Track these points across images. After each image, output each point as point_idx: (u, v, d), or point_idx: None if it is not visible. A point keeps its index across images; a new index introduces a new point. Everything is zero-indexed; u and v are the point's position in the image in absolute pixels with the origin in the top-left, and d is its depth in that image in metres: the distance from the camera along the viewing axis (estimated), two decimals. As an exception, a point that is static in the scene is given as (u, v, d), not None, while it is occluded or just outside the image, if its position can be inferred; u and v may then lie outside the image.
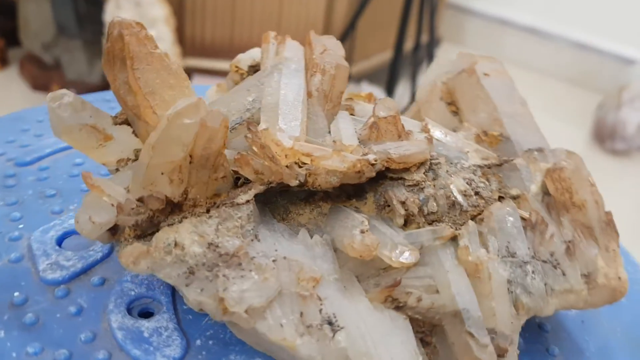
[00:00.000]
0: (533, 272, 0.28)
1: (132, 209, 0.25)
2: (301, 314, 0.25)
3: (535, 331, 0.32)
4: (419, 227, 0.28)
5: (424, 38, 1.53)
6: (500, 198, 0.30)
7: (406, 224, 0.28)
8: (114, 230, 0.27)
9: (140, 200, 0.25)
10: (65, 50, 1.55)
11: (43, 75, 1.57)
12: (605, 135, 1.79)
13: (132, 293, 0.29)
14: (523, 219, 0.29)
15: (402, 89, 1.65)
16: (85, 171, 0.26)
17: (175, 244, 0.25)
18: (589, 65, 2.09)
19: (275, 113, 0.29)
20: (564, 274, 0.28)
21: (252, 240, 0.26)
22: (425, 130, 0.31)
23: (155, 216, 0.26)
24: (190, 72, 1.54)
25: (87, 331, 0.27)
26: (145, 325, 0.28)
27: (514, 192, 0.30)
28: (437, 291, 0.27)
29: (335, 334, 0.25)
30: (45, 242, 0.31)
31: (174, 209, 0.26)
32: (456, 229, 0.28)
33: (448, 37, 2.29)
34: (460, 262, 0.27)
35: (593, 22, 2.06)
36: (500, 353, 0.26)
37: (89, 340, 0.27)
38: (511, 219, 0.28)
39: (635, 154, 1.80)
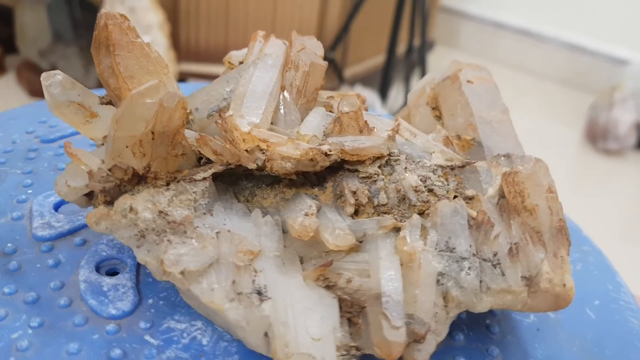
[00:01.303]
0: (469, 268, 0.28)
1: (102, 177, 0.29)
2: (233, 281, 0.27)
3: (481, 331, 0.33)
4: (368, 217, 0.30)
5: (417, 41, 1.55)
6: (455, 197, 0.31)
7: (357, 213, 0.30)
8: (90, 196, 0.30)
9: (109, 170, 0.29)
10: (61, 56, 1.58)
11: (40, 82, 1.58)
12: (597, 135, 1.81)
13: (104, 254, 0.32)
14: (473, 218, 0.29)
15: (396, 92, 1.67)
16: (67, 141, 0.29)
17: (131, 209, 0.28)
18: (581, 66, 2.12)
19: (241, 101, 0.31)
20: (503, 274, 0.29)
21: (204, 213, 0.29)
22: (395, 129, 0.33)
23: (122, 185, 0.29)
24: (185, 76, 1.55)
25: (57, 281, 0.31)
26: (107, 281, 0.31)
27: (470, 192, 0.31)
28: (369, 276, 0.28)
29: (262, 303, 0.27)
30: (43, 206, 0.35)
31: (139, 180, 0.29)
32: (401, 221, 0.29)
33: (442, 40, 2.32)
34: (397, 251, 0.28)
35: (585, 23, 2.08)
36: (416, 338, 0.27)
37: (56, 288, 0.30)
38: (457, 216, 0.29)
39: (628, 153, 1.82)
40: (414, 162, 0.32)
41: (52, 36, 1.58)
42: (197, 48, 1.58)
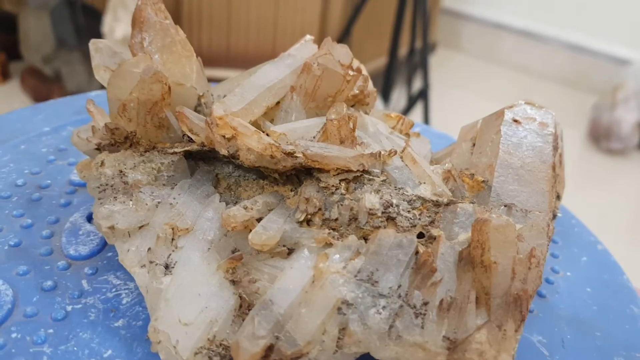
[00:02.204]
0: (383, 307, 0.25)
1: (103, 134, 0.32)
2: (149, 249, 0.28)
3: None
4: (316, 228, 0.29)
5: (419, 44, 1.55)
6: (421, 234, 0.28)
7: (309, 223, 0.29)
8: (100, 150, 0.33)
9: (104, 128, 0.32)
10: (65, 62, 1.59)
11: (44, 88, 1.60)
12: (600, 135, 1.80)
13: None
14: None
15: (398, 95, 1.66)
16: (89, 99, 0.33)
17: (101, 164, 0.31)
18: (583, 66, 2.11)
19: (233, 89, 0.32)
20: (422, 327, 0.25)
21: (163, 184, 0.31)
22: (391, 152, 0.31)
23: (116, 144, 0.32)
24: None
25: (54, 216, 0.35)
26: (86, 227, 0.34)
27: (435, 232, 0.28)
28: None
29: (164, 276, 0.27)
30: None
31: (131, 144, 0.32)
32: (338, 239, 0.27)
33: (444, 42, 2.31)
34: (314, 267, 0.26)
35: (586, 23, 2.07)
36: (281, 357, 0.25)
37: (51, 222, 0.35)
38: (397, 250, 0.26)
39: (631, 153, 1.81)
40: (395, 187, 0.29)
41: (55, 42, 1.58)
42: (199, 51, 1.58)
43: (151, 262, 0.28)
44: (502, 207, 0.29)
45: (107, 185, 0.30)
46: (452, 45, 2.34)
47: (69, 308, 0.29)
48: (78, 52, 1.57)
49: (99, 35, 1.46)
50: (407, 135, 0.36)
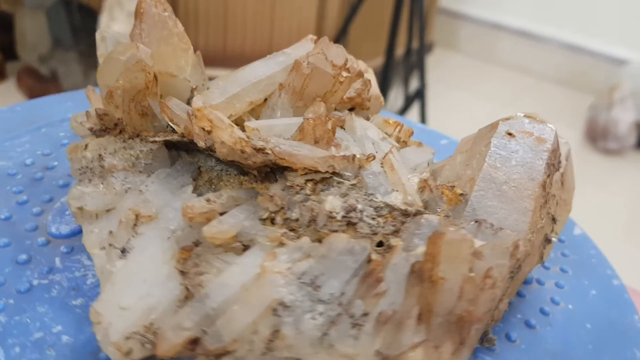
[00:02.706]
0: (320, 314, 0.24)
1: (96, 120, 0.33)
2: (110, 232, 0.28)
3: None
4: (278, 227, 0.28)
5: (416, 44, 1.55)
6: (381, 242, 0.27)
7: (273, 222, 0.28)
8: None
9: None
10: (61, 62, 1.59)
11: (40, 87, 1.60)
12: (597, 135, 1.81)
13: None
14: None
15: (395, 95, 1.66)
16: (91, 86, 0.34)
17: (85, 147, 0.31)
18: (580, 67, 2.12)
19: (218, 82, 0.32)
20: (356, 338, 0.24)
21: (140, 171, 0.31)
22: (369, 157, 0.30)
23: (107, 129, 0.32)
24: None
25: (50, 194, 0.37)
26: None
27: (394, 242, 0.27)
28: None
29: (119, 260, 0.27)
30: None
31: (120, 128, 0.32)
32: (293, 240, 0.27)
33: (441, 42, 2.32)
34: (260, 265, 0.26)
35: (584, 23, 2.08)
36: (205, 353, 0.24)
37: (46, 200, 0.36)
38: (348, 256, 0.25)
39: (628, 153, 1.82)
40: (365, 193, 0.28)
41: (51, 42, 1.58)
42: (195, 50, 1.58)
43: (110, 245, 0.28)
44: (473, 222, 0.27)
45: (86, 167, 0.31)
46: (449, 45, 2.35)
47: (35, 282, 0.30)
48: (74, 52, 1.58)
49: (95, 35, 1.45)
50: (405, 142, 0.35)
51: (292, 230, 0.27)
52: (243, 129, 0.30)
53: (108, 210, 0.29)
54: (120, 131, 0.32)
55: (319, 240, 0.27)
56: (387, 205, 0.28)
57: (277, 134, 0.30)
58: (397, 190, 0.29)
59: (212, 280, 0.26)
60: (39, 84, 1.61)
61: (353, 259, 0.25)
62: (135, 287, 0.26)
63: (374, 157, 0.30)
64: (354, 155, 0.29)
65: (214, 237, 0.27)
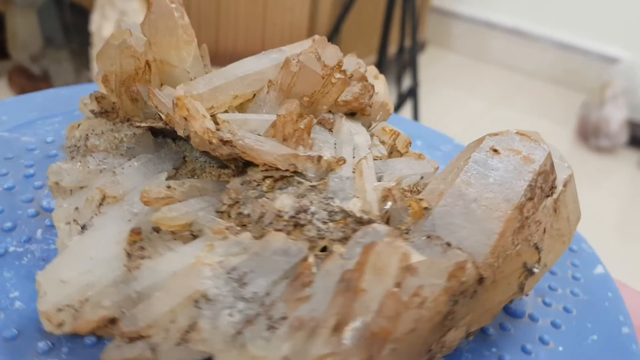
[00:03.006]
0: (239, 311, 0.23)
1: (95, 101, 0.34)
2: (76, 208, 0.29)
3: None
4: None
5: (408, 42, 1.56)
6: (325, 248, 0.26)
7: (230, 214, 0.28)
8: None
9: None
10: (52, 61, 1.58)
11: (32, 86, 1.59)
12: (589, 133, 1.82)
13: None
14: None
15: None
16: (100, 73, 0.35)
17: (78, 126, 0.33)
18: (572, 65, 2.12)
19: (205, 74, 0.33)
20: (267, 341, 0.22)
21: (121, 154, 0.32)
22: (339, 161, 0.29)
23: (106, 112, 0.34)
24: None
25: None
26: None
27: (335, 248, 0.25)
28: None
29: (77, 235, 0.28)
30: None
31: (116, 112, 0.34)
32: (236, 235, 0.26)
33: (433, 40, 2.32)
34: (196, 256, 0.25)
35: (576, 22, 2.09)
36: (120, 334, 0.24)
37: (38, 187, 0.37)
38: (282, 256, 0.24)
39: (620, 150, 1.82)
40: (325, 196, 0.27)
41: (43, 41, 1.58)
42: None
43: (74, 221, 0.29)
44: (424, 237, 0.25)
45: (74, 146, 0.32)
46: (441, 43, 2.35)
47: (11, 249, 0.31)
48: (66, 51, 1.57)
49: (86, 33, 1.46)
50: (399, 152, 0.34)
51: (243, 225, 0.27)
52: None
53: (81, 188, 0.30)
54: (117, 114, 0.33)
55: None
56: (343, 210, 0.27)
57: (253, 129, 0.30)
58: (358, 197, 0.27)
59: (146, 264, 0.25)
60: (30, 83, 1.60)
61: (286, 260, 0.24)
62: (79, 263, 0.26)
63: (345, 161, 0.29)
64: (320, 157, 0.28)
65: (159, 222, 0.27)
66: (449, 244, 0.25)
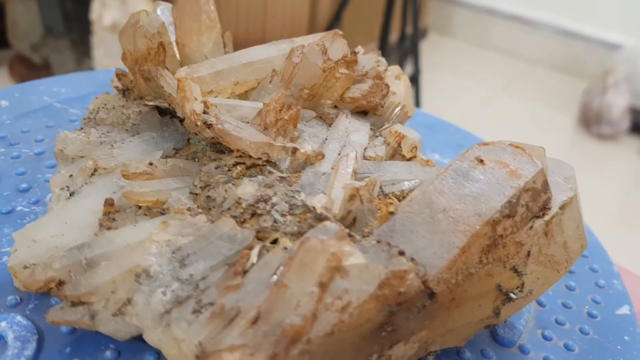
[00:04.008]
0: (172, 291, 0.23)
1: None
2: (70, 176, 0.30)
3: None
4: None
5: (409, 29, 1.55)
6: (276, 239, 0.25)
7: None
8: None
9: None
10: (53, 49, 1.56)
11: (32, 75, 1.58)
12: (591, 120, 1.80)
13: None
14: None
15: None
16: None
17: (95, 99, 0.35)
18: (574, 51, 2.11)
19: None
20: (189, 324, 0.22)
21: (126, 130, 0.33)
22: (317, 155, 0.28)
23: (128, 89, 0.35)
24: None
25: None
26: None
27: (282, 241, 0.25)
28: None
29: (63, 201, 0.29)
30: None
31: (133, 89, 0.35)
32: (191, 217, 0.26)
33: (435, 27, 2.31)
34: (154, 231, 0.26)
35: (577, 8, 2.07)
36: (63, 295, 0.25)
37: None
38: (226, 243, 0.24)
39: (622, 137, 1.81)
40: (292, 189, 0.27)
41: (43, 30, 1.57)
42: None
43: (66, 187, 0.30)
44: (375, 241, 0.24)
45: (88, 118, 0.33)
46: (443, 30, 2.34)
47: (18, 208, 0.33)
48: (66, 40, 1.56)
49: (87, 22, 1.45)
50: (403, 156, 0.32)
51: (209, 209, 0.27)
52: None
53: (81, 157, 0.31)
54: (132, 92, 0.35)
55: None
56: (305, 205, 0.26)
57: (244, 115, 0.30)
58: (325, 194, 0.27)
59: (105, 234, 0.26)
60: (31, 72, 1.60)
61: (229, 246, 0.24)
62: (54, 225, 0.27)
63: (323, 157, 0.28)
64: (295, 149, 0.28)
65: (126, 196, 0.27)
66: (401, 252, 0.23)
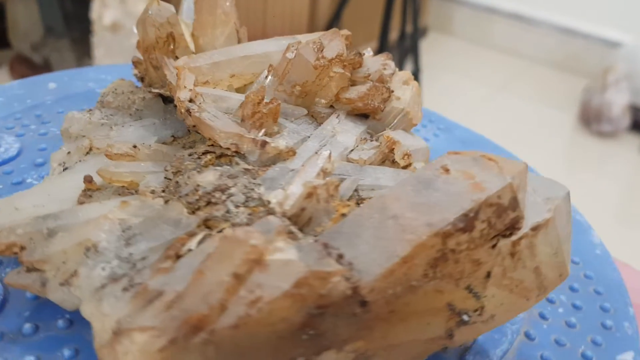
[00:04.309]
0: (111, 268, 0.24)
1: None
2: (69, 153, 0.32)
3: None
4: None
5: (409, 28, 1.55)
6: (222, 230, 0.25)
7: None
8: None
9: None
10: (53, 49, 1.56)
11: (33, 75, 1.58)
12: (591, 118, 1.81)
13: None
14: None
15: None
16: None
17: (111, 84, 0.36)
18: (574, 49, 2.11)
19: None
20: (116, 300, 0.23)
21: (130, 114, 0.34)
22: (289, 151, 0.28)
23: (145, 76, 0.37)
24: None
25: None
26: None
27: (226, 231, 0.24)
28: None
29: (56, 175, 0.31)
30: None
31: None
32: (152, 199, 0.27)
33: (435, 26, 2.31)
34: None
35: (577, 6, 2.08)
36: (21, 260, 0.26)
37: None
38: (169, 227, 0.25)
39: (622, 135, 1.82)
40: (254, 181, 0.27)
41: (43, 29, 1.57)
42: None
43: (64, 163, 0.31)
44: (312, 240, 0.23)
45: (102, 101, 0.35)
46: (442, 29, 2.34)
47: (28, 180, 0.36)
48: (67, 39, 1.56)
49: (87, 22, 1.45)
50: (394, 163, 0.31)
51: (176, 194, 0.27)
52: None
53: (83, 137, 0.33)
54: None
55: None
56: (260, 199, 0.26)
57: (230, 106, 0.31)
58: (283, 190, 0.26)
59: (72, 208, 0.27)
60: (31, 72, 1.59)
61: (172, 230, 0.24)
62: (37, 196, 0.29)
63: (294, 153, 0.28)
64: (265, 142, 0.28)
65: (100, 173, 0.28)
66: (340, 255, 0.22)
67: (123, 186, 0.29)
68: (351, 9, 1.60)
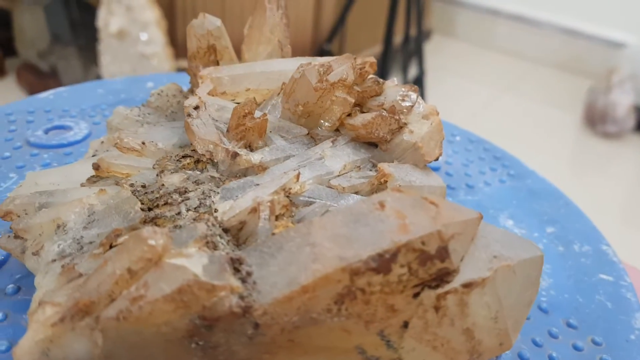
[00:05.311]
0: (64, 246, 0.26)
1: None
2: (102, 142, 0.34)
3: None
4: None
5: (413, 31, 1.56)
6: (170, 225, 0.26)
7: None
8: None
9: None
10: (60, 57, 1.58)
11: (40, 83, 1.59)
12: (596, 119, 1.81)
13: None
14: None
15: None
16: None
17: (164, 87, 0.38)
18: (578, 50, 2.11)
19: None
20: (53, 274, 0.25)
21: (166, 116, 0.36)
22: (262, 167, 0.29)
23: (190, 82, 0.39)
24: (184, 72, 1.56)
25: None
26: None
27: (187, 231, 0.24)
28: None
29: (83, 159, 0.33)
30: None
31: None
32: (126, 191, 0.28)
33: (438, 29, 2.32)
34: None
35: (580, 7, 2.08)
36: (11, 226, 0.29)
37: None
38: (117, 217, 0.26)
39: (627, 136, 1.81)
40: (215, 190, 0.28)
41: (50, 37, 1.58)
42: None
43: (96, 151, 0.34)
44: (225, 253, 0.23)
45: (148, 101, 0.38)
46: (446, 32, 2.35)
47: (72, 160, 0.39)
48: (73, 47, 1.57)
49: (93, 29, 1.46)
50: (379, 183, 0.30)
51: (147, 193, 0.29)
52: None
53: (120, 130, 0.35)
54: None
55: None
56: (210, 207, 0.26)
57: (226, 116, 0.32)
58: (258, 188, 0.27)
59: (66, 189, 0.29)
60: (38, 79, 1.61)
61: (119, 221, 0.26)
62: (57, 175, 0.31)
63: (264, 169, 0.29)
64: (236, 153, 0.29)
65: (100, 163, 0.30)
66: (249, 273, 0.22)
67: (122, 177, 0.31)
68: (355, 13, 1.61)
